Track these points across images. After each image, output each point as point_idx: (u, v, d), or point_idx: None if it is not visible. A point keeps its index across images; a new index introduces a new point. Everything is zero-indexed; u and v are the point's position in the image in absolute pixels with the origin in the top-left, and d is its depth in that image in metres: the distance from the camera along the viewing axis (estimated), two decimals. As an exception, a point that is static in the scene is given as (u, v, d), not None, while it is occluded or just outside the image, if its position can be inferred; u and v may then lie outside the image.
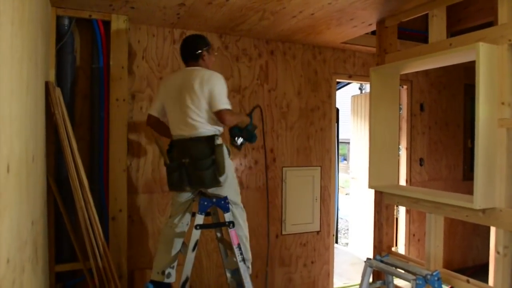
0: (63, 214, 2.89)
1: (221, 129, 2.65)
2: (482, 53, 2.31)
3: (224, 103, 2.53)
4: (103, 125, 3.13)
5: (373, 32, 3.54)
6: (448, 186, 5.01)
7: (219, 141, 2.56)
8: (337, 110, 4.58)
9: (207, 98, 2.52)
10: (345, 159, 17.73)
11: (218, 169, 2.49)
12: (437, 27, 2.83)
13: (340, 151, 6.75)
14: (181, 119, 2.57)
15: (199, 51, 2.68)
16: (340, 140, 5.62)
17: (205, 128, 2.55)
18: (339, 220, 7.74)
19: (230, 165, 2.65)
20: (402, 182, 4.70)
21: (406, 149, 4.74)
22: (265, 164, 3.34)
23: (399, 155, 4.55)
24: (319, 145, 4.17)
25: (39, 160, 2.37)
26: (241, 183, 3.66)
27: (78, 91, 3.16)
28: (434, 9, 2.84)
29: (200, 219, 2.49)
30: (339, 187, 6.74)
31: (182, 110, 2.56)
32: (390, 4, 2.90)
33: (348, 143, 12.88)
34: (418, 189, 3.26)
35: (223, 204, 2.51)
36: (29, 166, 1.97)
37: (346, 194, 10.91)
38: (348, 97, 7.29)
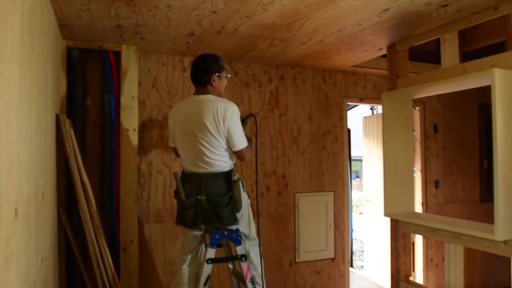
0: (73, 246, 2.86)
1: (234, 160, 2.60)
2: (498, 79, 2.25)
3: (243, 142, 2.49)
4: (113, 154, 3.12)
5: (384, 55, 3.51)
6: (465, 208, 4.88)
7: (236, 176, 2.48)
8: (349, 130, 4.52)
9: (224, 136, 2.43)
10: (357, 177, 17.54)
11: (236, 205, 2.42)
12: (450, 52, 2.78)
13: (352, 168, 6.67)
14: (196, 156, 2.46)
15: (209, 75, 2.50)
16: (352, 158, 5.54)
17: (222, 164, 2.47)
18: (354, 242, 7.59)
19: (246, 199, 2.59)
20: (418, 205, 4.59)
21: (421, 171, 4.65)
22: (256, 180, 3.23)
23: (413, 178, 4.45)
24: (331, 170, 4.11)
25: (49, 194, 2.36)
26: (253, 211, 3.61)
27: (89, 121, 3.17)
28: (446, 33, 2.80)
29: (211, 252, 2.43)
30: (352, 206, 6.64)
31: (196, 148, 2.44)
32: (401, 30, 2.87)
33: (360, 160, 12.78)
34: (435, 217, 3.16)
35: (235, 237, 2.45)
36: (38, 203, 1.95)
37: (360, 214, 10.73)
38: (360, 115, 7.25)
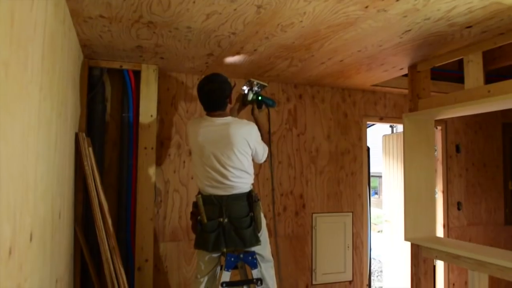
0: (89, 265, 2.85)
1: (253, 180, 2.58)
2: (525, 103, 2.18)
3: (266, 153, 2.64)
4: (131, 172, 3.13)
5: (405, 74, 3.45)
6: (489, 231, 4.73)
7: (256, 197, 2.47)
8: (368, 149, 4.44)
9: (251, 155, 2.53)
10: (376, 193, 17.26)
11: (257, 226, 2.40)
12: (474, 73, 2.71)
13: (370, 184, 6.54)
14: (218, 179, 2.42)
15: (227, 99, 2.49)
16: (371, 174, 5.44)
17: (244, 186, 2.46)
18: (372, 261, 7.42)
19: (263, 219, 2.56)
20: (439, 227, 4.46)
21: (443, 192, 4.53)
22: (272, 199, 3.19)
23: (435, 200, 4.34)
24: (350, 190, 4.04)
25: (66, 213, 2.36)
26: (269, 231, 3.55)
27: (108, 139, 3.19)
28: (469, 54, 2.74)
29: (226, 276, 2.39)
30: (371, 224, 6.49)
31: (219, 172, 2.41)
32: (423, 50, 2.82)
33: (379, 176, 12.52)
34: (458, 243, 3.06)
35: (251, 260, 2.41)
36: (55, 223, 1.95)
37: (379, 232, 10.50)
38: (380, 132, 7.15)
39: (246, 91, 2.81)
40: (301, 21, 2.24)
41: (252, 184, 2.54)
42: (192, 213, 2.54)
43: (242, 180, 2.44)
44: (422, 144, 3.14)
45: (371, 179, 6.85)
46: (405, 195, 3.06)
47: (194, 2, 1.98)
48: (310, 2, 1.99)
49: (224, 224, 2.37)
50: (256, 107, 2.81)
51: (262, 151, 2.60)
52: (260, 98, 2.82)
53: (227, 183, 2.41)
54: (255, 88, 2.80)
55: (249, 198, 2.44)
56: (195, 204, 2.48)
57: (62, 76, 2.00)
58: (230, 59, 2.89)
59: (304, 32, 2.43)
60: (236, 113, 2.82)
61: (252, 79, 2.79)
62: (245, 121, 2.52)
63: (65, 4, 1.97)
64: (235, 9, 2.07)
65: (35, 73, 1.37)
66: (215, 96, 2.47)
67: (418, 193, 3.10)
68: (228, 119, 2.49)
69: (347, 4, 2.01)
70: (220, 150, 2.41)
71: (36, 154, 1.46)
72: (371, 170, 5.66)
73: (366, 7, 2.05)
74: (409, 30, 2.41)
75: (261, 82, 2.77)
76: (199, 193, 2.51)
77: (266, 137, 2.78)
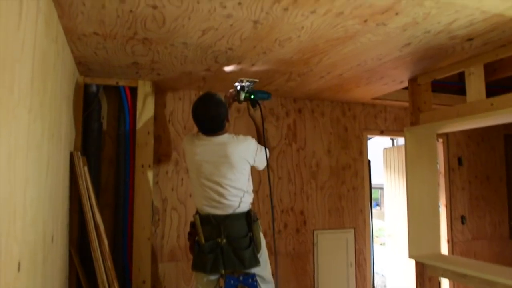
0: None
1: (252, 199, 2.51)
2: (530, 117, 2.13)
3: (266, 159, 2.54)
4: (128, 191, 3.06)
5: (406, 87, 3.41)
6: (494, 245, 4.64)
7: (255, 216, 2.40)
8: (369, 162, 4.37)
9: (252, 166, 2.47)
10: (377, 205, 17.12)
11: (256, 246, 2.33)
12: (475, 86, 2.67)
13: (372, 196, 6.44)
14: (217, 199, 2.35)
15: (225, 121, 2.40)
16: (372, 186, 5.35)
17: (242, 205, 2.38)
18: (375, 275, 7.28)
19: (263, 239, 2.48)
20: (443, 242, 4.37)
21: (446, 206, 4.45)
22: (272, 216, 3.10)
23: (439, 215, 4.27)
24: (352, 205, 3.96)
25: (60, 236, 2.29)
26: (269, 249, 3.47)
27: (104, 157, 3.13)
28: (470, 67, 2.69)
29: (226, 299, 2.31)
30: (373, 237, 6.37)
31: (218, 191, 2.34)
32: (423, 63, 2.77)
33: (380, 188, 12.38)
34: (465, 261, 2.97)
35: (251, 282, 2.32)
36: (46, 248, 1.88)
37: (381, 245, 10.35)
38: (381, 144, 7.07)
39: (238, 88, 2.64)
40: (299, 36, 2.20)
41: (251, 203, 2.47)
42: (189, 233, 2.47)
43: (241, 199, 2.38)
44: (424, 158, 3.08)
45: (372, 190, 6.77)
46: (409, 212, 2.99)
47: (189, 18, 1.94)
48: (308, 17, 1.94)
49: (223, 245, 2.30)
50: (250, 106, 2.64)
51: (264, 159, 2.52)
52: (253, 96, 2.62)
53: (226, 202, 2.34)
54: (246, 87, 2.64)
55: (248, 217, 2.37)
56: (193, 224, 2.41)
57: (55, 95, 1.95)
58: (229, 68, 2.81)
59: (302, 47, 2.38)
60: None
61: (242, 78, 2.65)
62: (241, 137, 2.45)
63: (57, 22, 1.92)
64: (231, 25, 2.03)
65: (23, 95, 1.32)
66: (212, 122, 2.38)
67: (422, 208, 3.03)
68: (225, 137, 2.42)
69: (346, 18, 1.97)
70: (218, 169, 2.35)
71: (25, 179, 1.40)
72: (372, 182, 5.59)
73: (365, 21, 2.00)
74: (409, 44, 2.36)
75: (252, 79, 2.65)
76: (197, 212, 2.44)
77: (265, 137, 2.66)
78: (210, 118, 2.35)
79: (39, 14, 1.47)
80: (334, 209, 3.88)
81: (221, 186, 2.34)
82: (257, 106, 2.62)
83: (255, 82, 2.69)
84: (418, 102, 3.13)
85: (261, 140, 2.61)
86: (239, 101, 2.65)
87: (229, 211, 2.35)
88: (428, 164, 3.10)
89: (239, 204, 2.37)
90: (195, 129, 3.34)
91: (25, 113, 1.36)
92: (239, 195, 2.37)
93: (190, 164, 2.47)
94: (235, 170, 2.35)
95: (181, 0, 1.74)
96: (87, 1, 1.76)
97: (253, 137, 2.54)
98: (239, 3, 1.78)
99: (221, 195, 2.34)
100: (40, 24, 1.51)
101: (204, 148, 2.39)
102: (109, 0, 1.75)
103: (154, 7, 1.81)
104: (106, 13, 1.88)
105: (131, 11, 1.86)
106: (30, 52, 1.38)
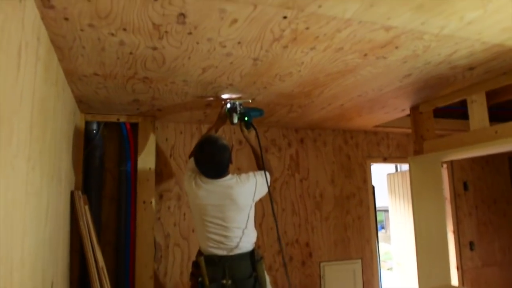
0: (86, 331, 2.68)
1: (256, 239, 2.45)
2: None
3: (267, 185, 2.41)
4: (129, 228, 3.01)
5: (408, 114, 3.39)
6: (505, 271, 4.53)
7: (259, 255, 2.34)
8: (373, 188, 4.31)
9: (257, 197, 2.38)
10: (382, 227, 16.89)
11: (261, 286, 2.26)
12: (478, 114, 2.64)
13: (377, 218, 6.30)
14: (220, 241, 2.29)
15: (229, 164, 2.34)
16: (377, 208, 5.25)
17: (247, 245, 2.32)
18: (384, 304, 7.08)
19: (267, 277, 2.41)
20: (453, 270, 4.26)
21: (453, 232, 4.37)
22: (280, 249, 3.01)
23: (448, 244, 4.19)
24: (357, 236, 3.88)
25: (60, 280, 2.24)
26: (275, 283, 3.39)
27: (105, 194, 3.09)
28: (472, 94, 2.68)
29: None
30: (380, 261, 6.21)
31: (221, 234, 2.28)
32: (424, 92, 2.76)
33: (385, 210, 12.20)
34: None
35: (257, 323, 2.24)
36: (46, 295, 1.83)
37: (388, 270, 10.13)
38: (384, 168, 7.02)
39: (229, 107, 2.57)
40: (299, 71, 2.20)
41: (255, 243, 2.41)
42: (192, 273, 2.39)
43: (246, 239, 2.32)
44: (430, 186, 3.04)
45: (377, 213, 6.65)
46: (417, 242, 2.93)
47: (189, 58, 1.94)
48: (307, 53, 1.94)
49: (228, 287, 2.23)
50: (244, 128, 2.56)
51: (265, 187, 2.41)
52: (246, 118, 2.52)
53: (231, 244, 2.28)
54: (238, 106, 2.56)
55: (252, 257, 2.31)
56: (196, 265, 2.34)
57: (54, 138, 1.93)
58: (226, 95, 2.75)
59: (302, 81, 2.38)
60: (213, 130, 2.64)
61: (233, 101, 2.57)
62: (243, 177, 2.37)
63: (57, 65, 1.92)
64: (231, 62, 2.03)
65: (22, 145, 1.30)
66: (217, 168, 2.31)
67: (430, 238, 2.96)
68: (229, 180, 2.33)
69: (346, 53, 1.97)
70: (223, 213, 2.28)
71: (23, 230, 1.36)
72: (377, 204, 5.50)
73: (365, 55, 2.00)
74: (410, 74, 2.36)
75: (244, 101, 2.60)
76: (200, 252, 2.37)
77: (264, 157, 2.57)
78: (215, 164, 2.29)
79: (38, 62, 1.46)
80: (340, 239, 3.80)
81: (226, 228, 2.28)
82: (252, 127, 2.53)
83: (247, 102, 2.62)
84: (421, 130, 3.10)
85: (260, 161, 2.53)
86: (232, 124, 2.58)
87: (235, 251, 2.29)
88: (434, 192, 3.05)
89: (245, 244, 2.31)
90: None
91: (24, 163, 1.34)
92: (245, 234, 2.32)
93: (193, 205, 2.41)
94: (241, 211, 2.30)
95: (181, 41, 1.75)
96: (87, 45, 1.76)
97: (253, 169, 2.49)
98: (239, 42, 1.79)
99: (226, 236, 2.28)
100: (39, 71, 1.51)
101: (207, 192, 2.30)
102: (108, 43, 1.75)
103: (154, 48, 1.81)
104: (106, 55, 1.88)
105: (131, 53, 1.86)
106: (28, 101, 1.36)
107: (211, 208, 2.29)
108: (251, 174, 2.42)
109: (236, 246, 2.29)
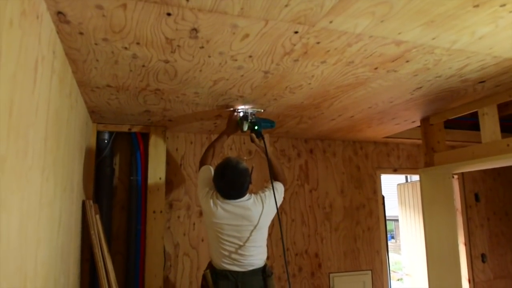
0: None
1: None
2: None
3: (284, 187, 2.55)
4: (139, 238, 3.02)
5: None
6: (518, 284, 4.45)
7: (270, 271, 2.36)
8: (383, 198, 4.29)
9: (274, 211, 2.40)
10: (392, 237, 16.73)
11: None
12: (489, 126, 2.63)
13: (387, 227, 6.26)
14: (235, 258, 2.29)
15: (249, 186, 2.36)
16: (387, 218, 5.21)
17: (260, 261, 2.34)
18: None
19: None
20: (465, 282, 4.21)
21: (465, 244, 4.32)
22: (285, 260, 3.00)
23: (459, 256, 4.14)
24: (367, 247, 3.86)
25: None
26: (285, 294, 3.38)
27: (116, 203, 3.12)
28: (484, 107, 2.66)
29: None
30: (390, 272, 6.15)
31: (237, 252, 2.29)
32: (435, 104, 2.76)
33: (395, 220, 12.08)
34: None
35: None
36: (57, 305, 1.84)
37: (399, 280, 10.01)
38: (395, 179, 6.97)
39: (241, 115, 2.60)
40: (310, 83, 2.21)
41: (267, 258, 2.42)
42: (202, 286, 2.40)
43: (259, 257, 2.35)
44: (441, 198, 3.02)
45: (387, 222, 6.59)
46: (427, 255, 2.90)
47: (200, 70, 1.96)
48: (318, 67, 1.95)
49: None
50: (255, 137, 2.57)
51: (280, 199, 2.47)
52: (256, 127, 2.54)
53: (246, 262, 2.30)
54: (250, 115, 2.59)
55: (264, 272, 2.33)
56: (205, 277, 2.34)
57: (67, 149, 1.96)
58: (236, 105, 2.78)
59: (313, 93, 2.39)
60: (225, 136, 2.66)
61: (246, 110, 2.58)
62: (261, 196, 2.38)
63: (71, 77, 1.96)
64: (242, 75, 2.05)
65: (37, 157, 1.32)
66: (238, 191, 2.31)
67: (441, 250, 2.94)
68: (246, 200, 2.33)
69: (356, 67, 1.98)
70: (240, 233, 2.29)
71: (36, 241, 1.38)
72: (387, 214, 5.45)
73: (376, 68, 2.01)
74: (420, 87, 2.35)
75: (256, 109, 2.62)
76: (209, 267, 2.38)
77: (276, 166, 2.61)
78: (236, 189, 2.30)
79: (53, 75, 1.49)
80: (349, 251, 3.78)
81: (242, 247, 2.29)
82: (261, 137, 2.54)
83: (260, 112, 2.64)
84: (431, 142, 3.09)
85: (271, 171, 2.55)
86: (242, 131, 2.61)
87: (248, 268, 2.30)
88: (445, 204, 3.03)
89: (258, 261, 2.34)
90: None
91: (39, 175, 1.36)
92: (259, 252, 2.35)
93: (209, 223, 2.38)
94: (257, 231, 2.32)
95: (192, 55, 1.77)
96: (101, 58, 1.79)
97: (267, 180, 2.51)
98: (250, 56, 1.80)
99: (242, 255, 2.30)
100: (54, 83, 1.54)
101: (225, 212, 2.29)
102: (122, 56, 1.78)
103: (166, 61, 1.84)
104: (119, 68, 1.91)
105: (143, 65, 1.88)
106: (44, 113, 1.39)
107: (228, 227, 2.29)
108: (267, 192, 2.41)
109: (252, 263, 2.31)
